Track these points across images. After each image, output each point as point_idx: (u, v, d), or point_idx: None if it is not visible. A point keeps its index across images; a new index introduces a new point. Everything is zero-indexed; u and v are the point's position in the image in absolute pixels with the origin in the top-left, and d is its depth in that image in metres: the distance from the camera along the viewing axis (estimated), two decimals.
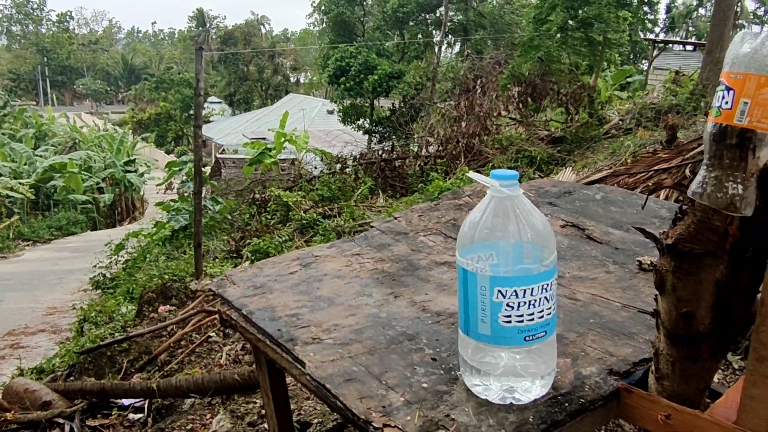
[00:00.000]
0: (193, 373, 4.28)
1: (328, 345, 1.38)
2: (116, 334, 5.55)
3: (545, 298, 1.07)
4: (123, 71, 67.04)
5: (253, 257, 6.31)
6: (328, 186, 9.72)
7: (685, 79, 13.27)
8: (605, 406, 1.14)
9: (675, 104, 10.42)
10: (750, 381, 0.98)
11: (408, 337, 1.41)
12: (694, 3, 40.21)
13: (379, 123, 20.41)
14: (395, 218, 2.24)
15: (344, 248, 2.03)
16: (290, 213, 8.65)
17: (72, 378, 5.19)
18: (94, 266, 9.69)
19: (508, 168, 9.79)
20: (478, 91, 12.57)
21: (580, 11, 11.29)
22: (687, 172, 5.24)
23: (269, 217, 9.00)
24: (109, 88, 66.28)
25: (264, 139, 17.41)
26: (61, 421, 3.83)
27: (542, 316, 1.07)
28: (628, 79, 19.68)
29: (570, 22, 11.55)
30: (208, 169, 21.66)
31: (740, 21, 37.65)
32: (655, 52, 20.09)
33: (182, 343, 4.98)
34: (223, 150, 25.62)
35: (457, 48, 26.85)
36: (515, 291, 1.04)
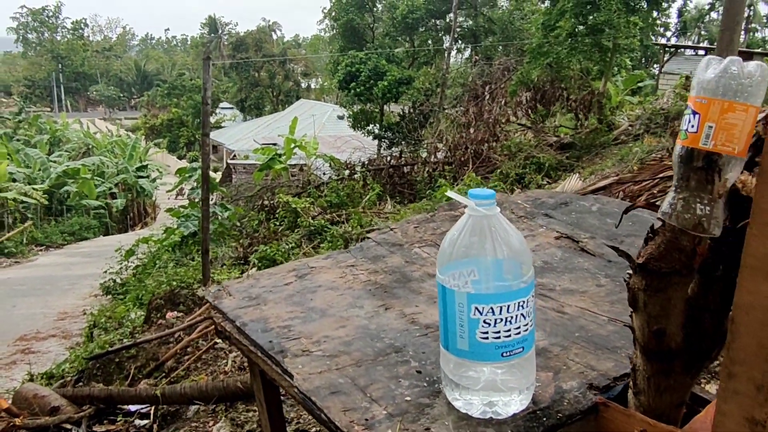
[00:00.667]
0: (198, 380, 4.33)
1: (317, 357, 1.42)
2: (125, 340, 5.62)
3: (522, 314, 1.09)
4: (136, 77, 67.73)
5: (260, 264, 6.36)
6: (337, 192, 9.76)
7: None
8: (583, 420, 1.16)
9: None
10: (721, 397, 1.00)
11: (395, 349, 1.44)
12: (706, 7, 40.00)
13: (388, 128, 20.48)
14: (391, 229, 2.27)
15: (340, 259, 2.06)
16: (299, 219, 8.71)
17: (81, 384, 5.26)
18: (105, 272, 9.79)
19: (517, 174, 9.85)
20: (487, 97, 12.58)
21: (590, 17, 11.26)
22: None
23: (278, 223, 9.06)
24: (122, 95, 66.99)
25: (275, 144, 17.55)
26: (68, 426, 3.89)
27: (519, 333, 1.10)
28: (639, 84, 19.61)
29: (579, 27, 11.52)
30: (219, 174, 21.85)
31: (753, 25, 37.38)
32: (666, 57, 20.03)
33: (189, 349, 5.03)
34: (234, 155, 25.80)
35: (466, 54, 26.90)
36: (491, 308, 1.07)
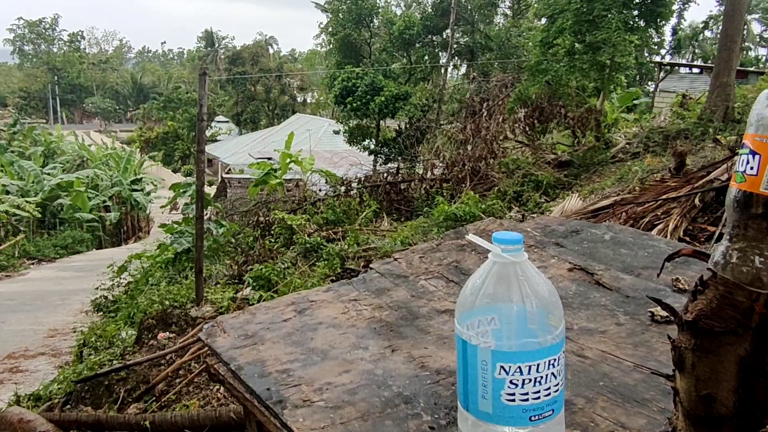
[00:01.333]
0: (190, 406, 4.19)
1: (319, 408, 1.30)
2: (115, 361, 5.46)
3: (552, 374, 0.98)
4: (132, 90, 67.73)
5: (254, 283, 6.22)
6: (333, 209, 9.64)
7: (692, 102, 13.21)
8: None
9: (683, 129, 10.33)
10: None
11: (404, 400, 1.32)
12: (701, 25, 40.28)
13: (385, 144, 20.43)
14: (395, 259, 2.15)
15: (341, 292, 1.95)
16: (294, 236, 8.57)
17: (69, 406, 5.10)
18: (96, 288, 9.62)
19: (515, 192, 9.76)
20: (485, 114, 12.54)
21: (588, 35, 11.24)
22: (696, 201, 5.15)
23: (273, 240, 8.93)
24: (118, 107, 66.91)
25: (270, 159, 17.44)
26: None
27: (549, 394, 0.98)
28: (635, 102, 19.64)
29: (577, 45, 11.50)
30: (213, 188, 21.72)
31: (746, 44, 37.70)
32: (662, 75, 20.10)
33: (180, 372, 4.88)
34: (230, 169, 25.72)
35: (463, 70, 26.95)
36: (519, 367, 0.96)
